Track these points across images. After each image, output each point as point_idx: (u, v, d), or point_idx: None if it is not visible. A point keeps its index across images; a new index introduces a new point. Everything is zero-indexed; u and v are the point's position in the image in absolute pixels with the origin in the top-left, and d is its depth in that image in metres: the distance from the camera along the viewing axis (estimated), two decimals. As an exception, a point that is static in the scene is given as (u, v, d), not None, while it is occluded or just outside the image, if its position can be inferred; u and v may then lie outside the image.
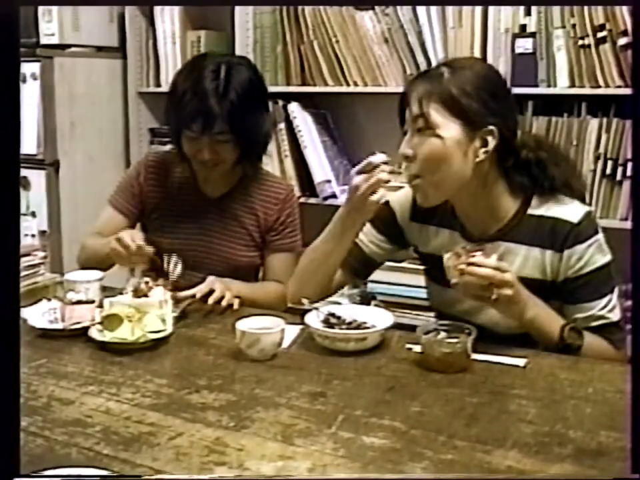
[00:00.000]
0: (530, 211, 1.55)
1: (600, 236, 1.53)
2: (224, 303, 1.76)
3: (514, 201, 1.57)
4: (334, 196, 2.82)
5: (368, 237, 1.75)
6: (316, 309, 1.62)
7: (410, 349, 1.51)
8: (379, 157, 1.57)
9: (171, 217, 2.04)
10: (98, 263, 1.88)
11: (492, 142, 1.48)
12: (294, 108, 2.81)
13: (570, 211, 1.53)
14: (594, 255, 1.51)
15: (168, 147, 2.11)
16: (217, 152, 1.89)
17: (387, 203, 1.71)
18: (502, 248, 1.55)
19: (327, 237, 1.68)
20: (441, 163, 1.48)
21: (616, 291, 1.55)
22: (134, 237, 1.76)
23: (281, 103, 2.83)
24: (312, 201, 2.81)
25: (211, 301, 1.75)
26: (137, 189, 2.05)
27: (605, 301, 1.52)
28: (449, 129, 1.47)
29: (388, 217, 1.73)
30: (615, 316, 1.53)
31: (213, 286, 1.77)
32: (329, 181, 2.82)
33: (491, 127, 1.48)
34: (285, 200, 2.03)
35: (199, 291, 1.77)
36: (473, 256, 1.41)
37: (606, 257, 1.53)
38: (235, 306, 1.78)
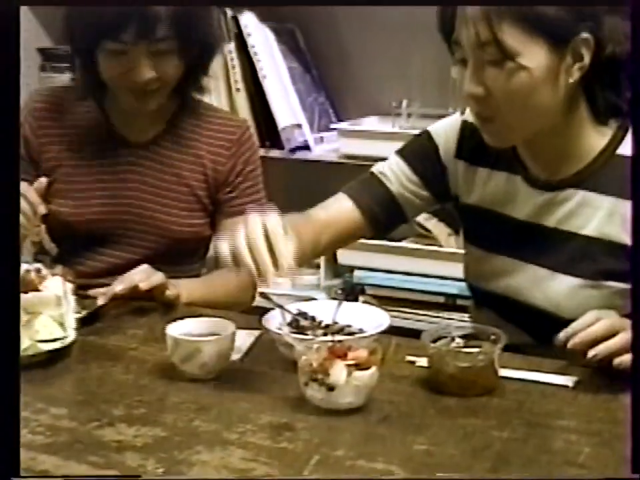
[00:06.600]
0: (621, 150, 1.60)
1: None
2: (143, 286, 1.73)
3: (600, 135, 1.62)
4: (306, 147, 2.82)
5: (399, 178, 1.78)
6: (280, 306, 1.62)
7: (413, 362, 1.52)
8: None
9: (78, 176, 2.02)
10: None
11: (587, 54, 1.53)
12: (248, 20, 2.80)
13: None
14: None
15: (65, 78, 2.09)
16: (155, 69, 1.87)
17: (428, 133, 1.77)
18: (577, 197, 1.61)
19: None
20: (527, 98, 1.53)
21: None
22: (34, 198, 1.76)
23: (230, 13, 2.81)
24: (274, 153, 2.81)
25: (150, 292, 1.74)
26: (25, 146, 2.00)
27: None
28: (533, 54, 1.50)
29: (428, 151, 1.77)
30: None
31: (133, 278, 1.75)
32: (298, 126, 2.82)
33: (585, 35, 1.51)
34: (240, 141, 2.03)
35: (113, 290, 1.74)
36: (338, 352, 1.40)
37: None
38: (170, 293, 1.77)
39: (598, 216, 1.59)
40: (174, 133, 2.02)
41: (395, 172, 1.79)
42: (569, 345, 1.41)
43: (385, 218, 1.81)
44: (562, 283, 1.61)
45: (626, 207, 1.54)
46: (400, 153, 1.80)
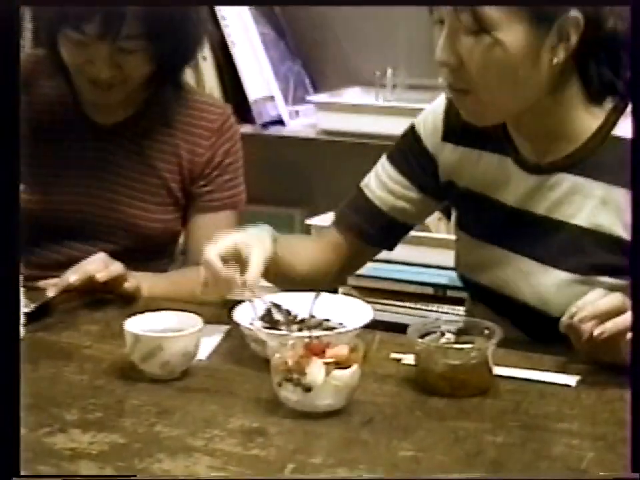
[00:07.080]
0: (615, 132, 1.60)
1: None
2: (100, 277, 1.73)
3: (593, 115, 1.62)
4: (280, 122, 2.82)
5: (384, 183, 1.81)
6: (251, 300, 1.62)
7: (398, 360, 1.53)
8: None
9: (40, 159, 2.00)
10: None
11: (575, 34, 1.53)
12: (215, -19, 2.79)
13: None
14: None
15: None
16: (119, 66, 1.87)
17: (412, 125, 1.80)
18: (568, 183, 1.61)
19: None
20: (503, 75, 1.54)
21: None
22: None
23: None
24: (245, 129, 2.79)
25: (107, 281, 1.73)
26: None
27: None
28: (512, 30, 1.51)
29: (412, 146, 1.80)
30: None
31: (89, 268, 1.75)
32: (271, 98, 2.83)
33: (573, 14, 1.51)
34: (221, 131, 2.03)
35: (65, 281, 1.75)
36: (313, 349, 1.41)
37: None
38: (130, 285, 1.78)
39: (589, 204, 1.60)
40: (148, 118, 2.02)
41: (379, 177, 1.82)
42: (576, 318, 1.41)
43: (377, 232, 1.85)
44: (551, 277, 1.63)
45: (619, 194, 1.57)
46: (387, 154, 1.83)
